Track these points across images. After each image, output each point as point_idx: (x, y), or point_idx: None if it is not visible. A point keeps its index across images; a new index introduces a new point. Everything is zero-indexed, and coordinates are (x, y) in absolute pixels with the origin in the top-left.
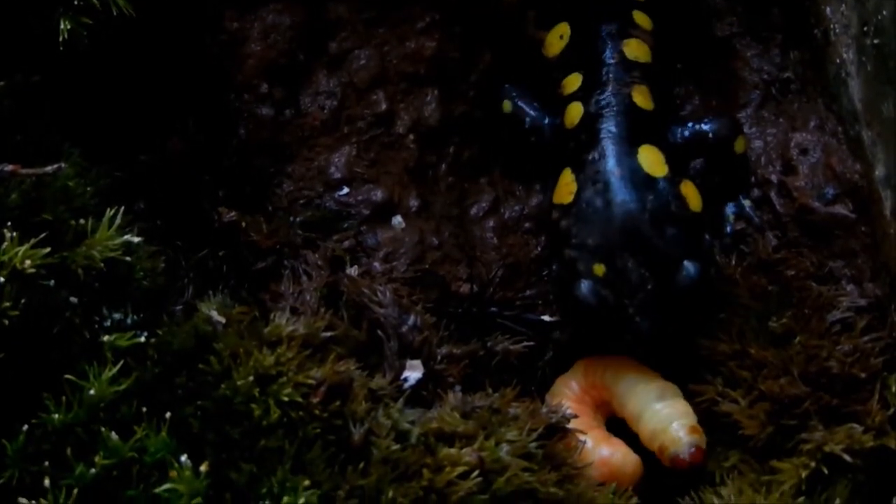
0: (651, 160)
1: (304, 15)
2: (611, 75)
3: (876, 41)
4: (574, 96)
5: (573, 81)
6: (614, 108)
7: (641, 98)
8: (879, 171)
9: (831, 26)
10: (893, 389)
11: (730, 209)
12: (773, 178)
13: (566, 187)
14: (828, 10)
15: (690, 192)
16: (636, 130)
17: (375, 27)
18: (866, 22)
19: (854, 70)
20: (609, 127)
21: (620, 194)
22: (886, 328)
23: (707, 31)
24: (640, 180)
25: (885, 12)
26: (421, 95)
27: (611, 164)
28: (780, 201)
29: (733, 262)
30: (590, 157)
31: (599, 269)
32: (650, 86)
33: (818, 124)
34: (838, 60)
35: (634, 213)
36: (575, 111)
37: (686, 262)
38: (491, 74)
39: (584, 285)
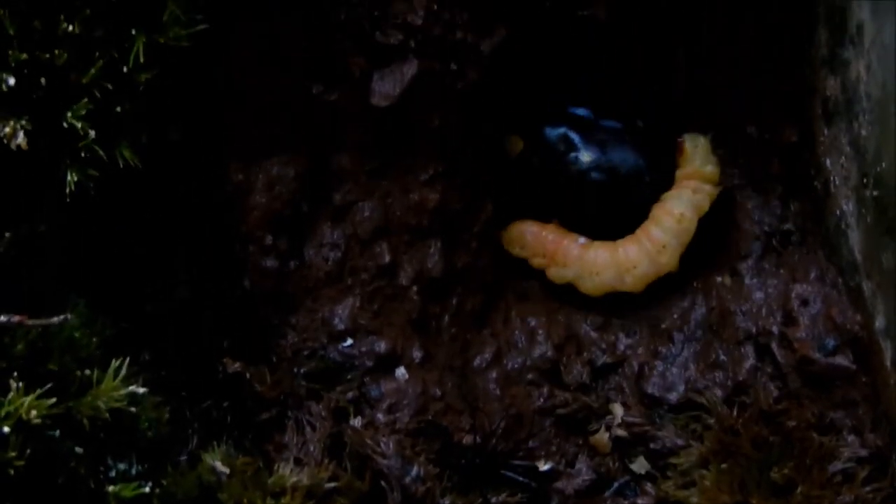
0: None
1: (308, 166)
2: None
3: (875, 192)
4: None
5: None
6: None
7: None
8: (879, 322)
9: (831, 177)
10: None
11: None
12: (775, 329)
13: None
14: (828, 161)
15: None
16: None
17: (379, 178)
18: (865, 173)
19: (854, 221)
20: None
21: None
22: (888, 478)
23: None
24: None
25: (884, 164)
26: (424, 247)
27: None
28: (782, 352)
29: (735, 412)
30: None
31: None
32: None
33: (819, 275)
34: (838, 212)
35: None
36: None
37: None
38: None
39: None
